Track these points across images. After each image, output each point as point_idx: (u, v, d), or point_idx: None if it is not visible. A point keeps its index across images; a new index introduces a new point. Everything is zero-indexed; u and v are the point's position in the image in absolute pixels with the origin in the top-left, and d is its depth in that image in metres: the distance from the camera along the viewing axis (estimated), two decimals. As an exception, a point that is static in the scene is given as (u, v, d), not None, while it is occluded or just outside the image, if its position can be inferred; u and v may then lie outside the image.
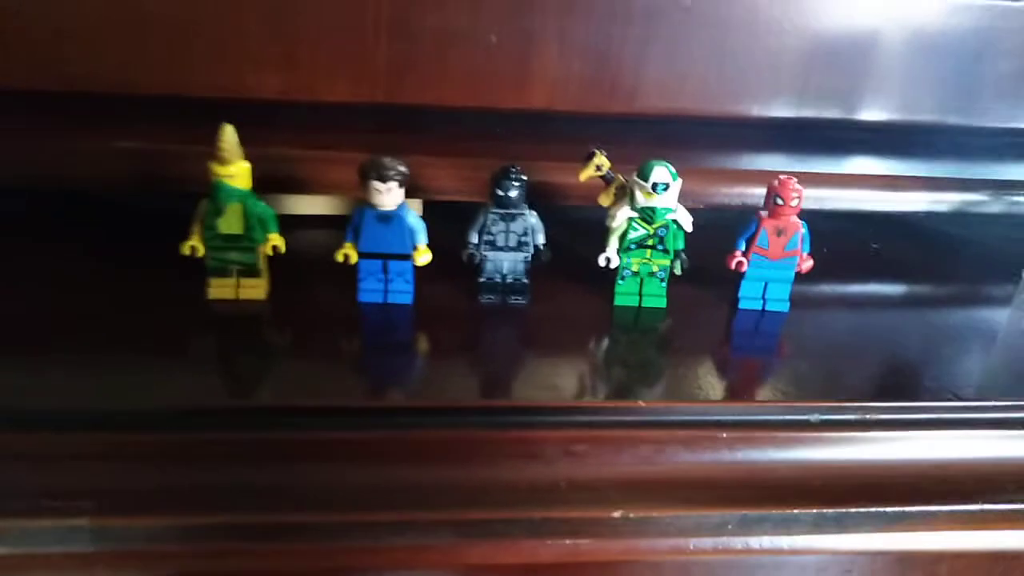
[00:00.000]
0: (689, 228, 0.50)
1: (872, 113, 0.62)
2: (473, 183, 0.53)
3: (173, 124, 0.53)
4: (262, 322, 0.48)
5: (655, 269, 0.51)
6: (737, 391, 0.45)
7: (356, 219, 0.48)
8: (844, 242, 0.63)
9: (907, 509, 0.41)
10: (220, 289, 0.49)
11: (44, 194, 0.57)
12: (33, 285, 0.49)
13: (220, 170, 0.46)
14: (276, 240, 0.48)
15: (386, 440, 0.40)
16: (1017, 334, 0.53)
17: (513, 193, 0.48)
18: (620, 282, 0.52)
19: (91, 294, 0.49)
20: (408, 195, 0.49)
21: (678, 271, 0.51)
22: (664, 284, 0.52)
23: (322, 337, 0.47)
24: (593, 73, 0.58)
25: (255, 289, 0.49)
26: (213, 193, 0.46)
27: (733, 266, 0.51)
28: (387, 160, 0.46)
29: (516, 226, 0.50)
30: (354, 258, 0.49)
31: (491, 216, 0.49)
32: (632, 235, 0.50)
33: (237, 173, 0.46)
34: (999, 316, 0.55)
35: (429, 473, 0.39)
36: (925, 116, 0.62)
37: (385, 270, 0.49)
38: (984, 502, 0.41)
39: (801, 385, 0.45)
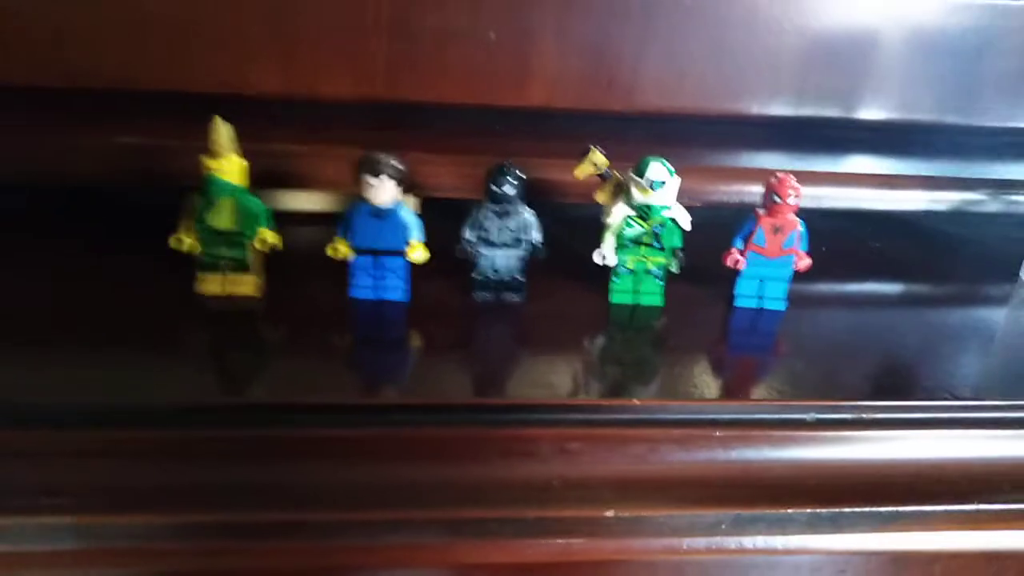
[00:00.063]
0: (686, 226, 0.50)
1: (871, 112, 0.62)
2: (471, 180, 0.53)
3: (174, 120, 0.53)
4: (254, 318, 0.48)
5: (651, 267, 0.51)
6: (732, 390, 0.45)
7: (350, 214, 0.48)
8: (842, 241, 0.62)
9: (902, 509, 0.41)
10: (211, 284, 0.48)
11: (44, 190, 0.56)
12: (29, 281, 0.49)
13: (211, 164, 0.45)
14: (268, 236, 0.48)
15: (379, 438, 0.40)
16: (1015, 334, 0.53)
17: (508, 189, 0.48)
18: (616, 280, 0.51)
19: (87, 290, 0.48)
20: (405, 191, 0.49)
21: (675, 269, 0.51)
22: (660, 282, 0.51)
23: (315, 333, 0.46)
24: (592, 70, 0.58)
25: (246, 285, 0.49)
26: (204, 187, 0.46)
27: (730, 264, 0.51)
28: (381, 155, 0.46)
29: (511, 222, 0.49)
30: (345, 253, 0.48)
31: (486, 212, 0.49)
32: (628, 232, 0.50)
33: (229, 167, 0.46)
34: (997, 316, 0.55)
35: (422, 471, 0.39)
36: (924, 115, 0.62)
37: (379, 266, 0.49)
38: (980, 502, 0.41)
39: (797, 384, 0.45)
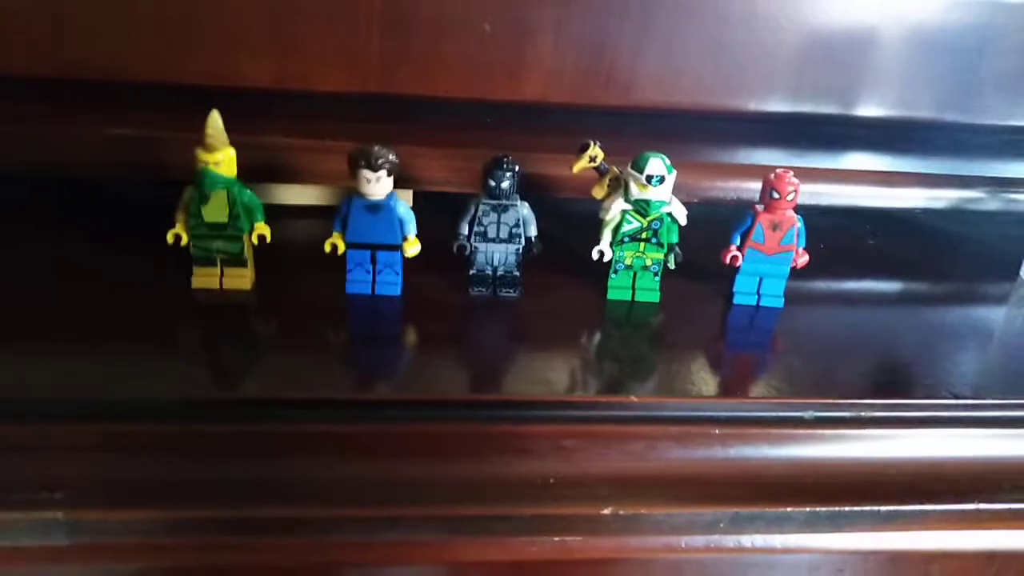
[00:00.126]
0: (684, 221, 0.50)
1: (869, 109, 0.62)
2: (465, 174, 0.53)
3: (168, 112, 0.52)
4: (248, 313, 0.48)
5: (649, 263, 0.51)
6: (730, 387, 0.44)
7: (344, 209, 0.47)
8: (840, 238, 0.62)
9: (901, 508, 0.41)
10: (204, 278, 0.48)
11: (39, 181, 0.56)
12: (24, 274, 0.48)
13: (206, 157, 0.45)
14: (262, 229, 0.47)
15: (373, 434, 0.39)
16: (1013, 332, 0.53)
17: (505, 184, 0.48)
18: (613, 276, 0.51)
19: (81, 285, 0.48)
20: (399, 185, 0.48)
21: (672, 265, 0.51)
22: (658, 278, 0.51)
23: (309, 328, 0.46)
24: (588, 65, 0.58)
25: (240, 279, 0.48)
26: (198, 180, 0.46)
27: (728, 261, 0.51)
28: (377, 148, 0.45)
29: (508, 217, 0.49)
30: (342, 248, 0.48)
31: (482, 207, 0.49)
32: (626, 228, 0.50)
33: (223, 160, 0.45)
34: (995, 314, 0.55)
35: (417, 468, 0.39)
36: (922, 112, 0.62)
37: (373, 261, 0.48)
38: (979, 501, 0.41)
39: (795, 382, 0.45)
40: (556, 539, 0.38)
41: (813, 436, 0.42)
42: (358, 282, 0.49)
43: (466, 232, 0.49)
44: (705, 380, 0.44)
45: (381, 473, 0.39)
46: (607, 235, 0.50)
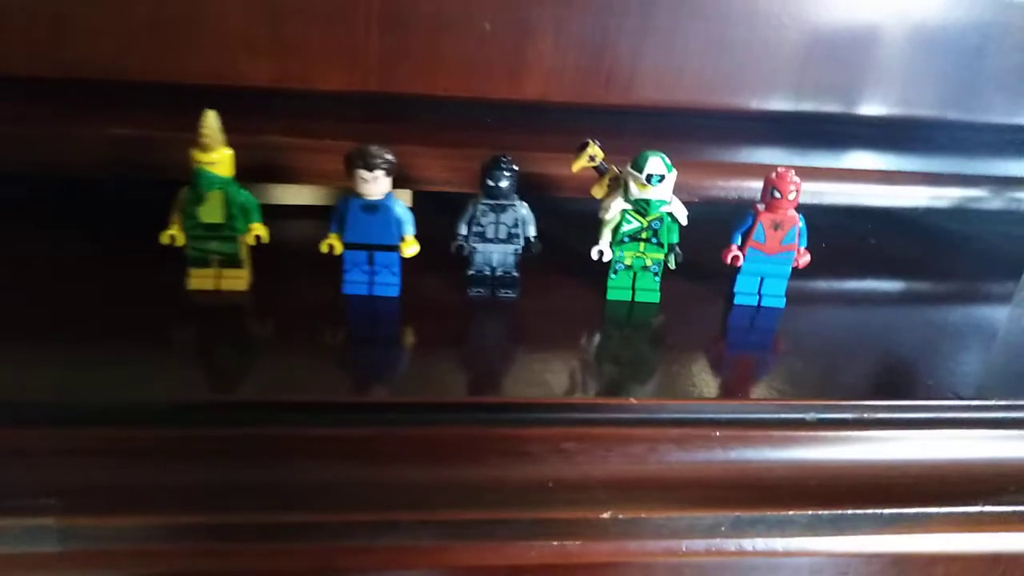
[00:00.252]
0: (684, 221, 0.49)
1: (871, 107, 0.62)
2: (463, 173, 0.52)
3: (167, 111, 0.52)
4: (245, 314, 0.48)
5: (649, 263, 0.50)
6: (731, 389, 0.44)
7: (341, 209, 0.47)
8: (842, 237, 0.62)
9: (905, 510, 0.40)
10: (200, 280, 0.48)
11: (37, 181, 0.56)
12: (19, 275, 0.48)
13: (201, 157, 0.45)
14: (259, 230, 0.47)
15: (371, 437, 0.39)
16: (1017, 332, 0.52)
17: (504, 183, 0.47)
18: (613, 276, 0.51)
19: (77, 287, 0.48)
20: (397, 185, 0.48)
21: (672, 265, 0.50)
22: (658, 278, 0.51)
23: (306, 330, 0.46)
24: (589, 64, 0.58)
25: (237, 280, 0.48)
26: (194, 180, 0.45)
27: (729, 260, 0.50)
28: (374, 148, 0.45)
29: (506, 217, 0.49)
30: (339, 249, 0.47)
31: (481, 207, 0.48)
32: (626, 228, 0.49)
33: (219, 160, 0.45)
34: (999, 314, 0.55)
35: (415, 471, 0.39)
36: (925, 111, 0.62)
37: (371, 262, 0.48)
38: (984, 503, 0.41)
39: (797, 383, 0.44)
40: (555, 543, 0.38)
41: (815, 438, 0.42)
42: (356, 283, 0.48)
43: (464, 232, 0.49)
44: (706, 382, 0.44)
45: (379, 477, 0.38)
46: (607, 235, 0.50)
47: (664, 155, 0.48)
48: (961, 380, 0.46)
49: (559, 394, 0.42)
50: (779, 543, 0.40)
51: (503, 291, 0.50)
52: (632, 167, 0.48)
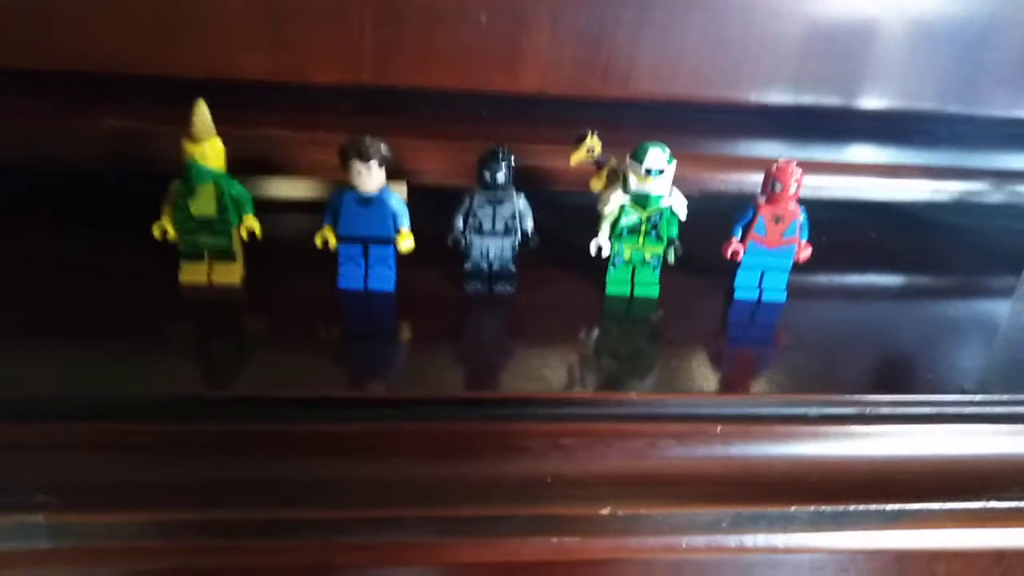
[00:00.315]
0: (684, 215, 0.49)
1: (872, 101, 0.61)
2: (460, 166, 0.52)
3: (162, 104, 0.51)
4: (238, 309, 0.47)
5: (648, 257, 0.50)
6: (732, 384, 0.44)
7: (335, 202, 0.46)
8: (843, 231, 0.62)
9: (907, 506, 0.40)
10: (193, 273, 0.47)
11: (33, 174, 0.55)
12: (13, 270, 0.48)
13: (193, 148, 0.44)
14: (251, 223, 0.47)
15: (368, 433, 0.39)
16: (1018, 327, 0.52)
17: (500, 175, 0.47)
18: (612, 270, 0.50)
19: (70, 281, 0.47)
20: (392, 177, 0.48)
21: (672, 259, 0.50)
22: (657, 272, 0.50)
23: (300, 325, 0.45)
24: (586, 56, 0.57)
25: (229, 274, 0.48)
26: (185, 173, 0.45)
27: (729, 254, 0.50)
28: (368, 139, 0.45)
29: (503, 210, 0.48)
30: (333, 242, 0.47)
31: (478, 199, 0.48)
32: (624, 221, 0.49)
33: (210, 152, 0.44)
34: (1000, 308, 0.55)
35: (413, 467, 0.39)
36: (926, 104, 0.62)
37: (366, 255, 0.48)
38: (986, 499, 0.41)
39: (798, 378, 0.44)
40: (554, 540, 0.38)
41: (817, 433, 0.41)
42: (350, 277, 0.48)
43: (461, 225, 0.48)
44: (706, 376, 0.44)
45: (376, 473, 0.38)
46: (605, 228, 0.49)
47: (664, 146, 0.47)
48: (963, 375, 0.45)
49: (558, 389, 0.41)
50: (780, 539, 0.40)
51: (500, 285, 0.50)
52: (631, 159, 0.47)
